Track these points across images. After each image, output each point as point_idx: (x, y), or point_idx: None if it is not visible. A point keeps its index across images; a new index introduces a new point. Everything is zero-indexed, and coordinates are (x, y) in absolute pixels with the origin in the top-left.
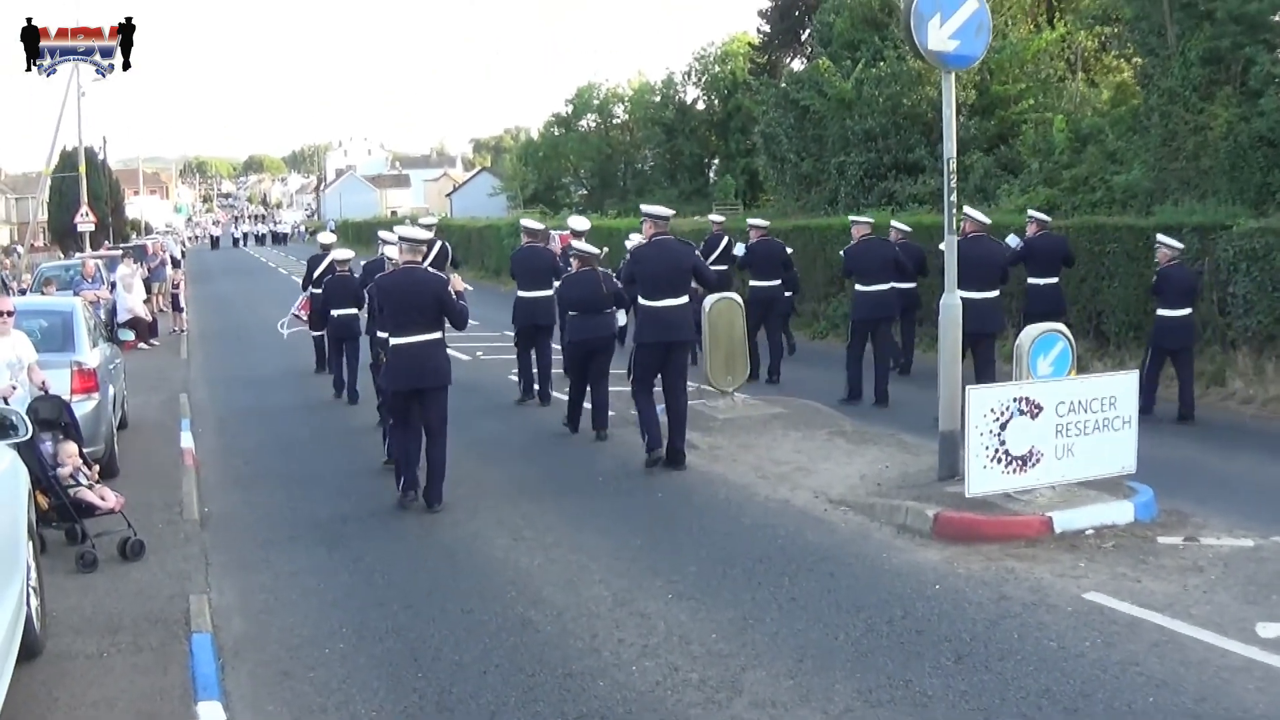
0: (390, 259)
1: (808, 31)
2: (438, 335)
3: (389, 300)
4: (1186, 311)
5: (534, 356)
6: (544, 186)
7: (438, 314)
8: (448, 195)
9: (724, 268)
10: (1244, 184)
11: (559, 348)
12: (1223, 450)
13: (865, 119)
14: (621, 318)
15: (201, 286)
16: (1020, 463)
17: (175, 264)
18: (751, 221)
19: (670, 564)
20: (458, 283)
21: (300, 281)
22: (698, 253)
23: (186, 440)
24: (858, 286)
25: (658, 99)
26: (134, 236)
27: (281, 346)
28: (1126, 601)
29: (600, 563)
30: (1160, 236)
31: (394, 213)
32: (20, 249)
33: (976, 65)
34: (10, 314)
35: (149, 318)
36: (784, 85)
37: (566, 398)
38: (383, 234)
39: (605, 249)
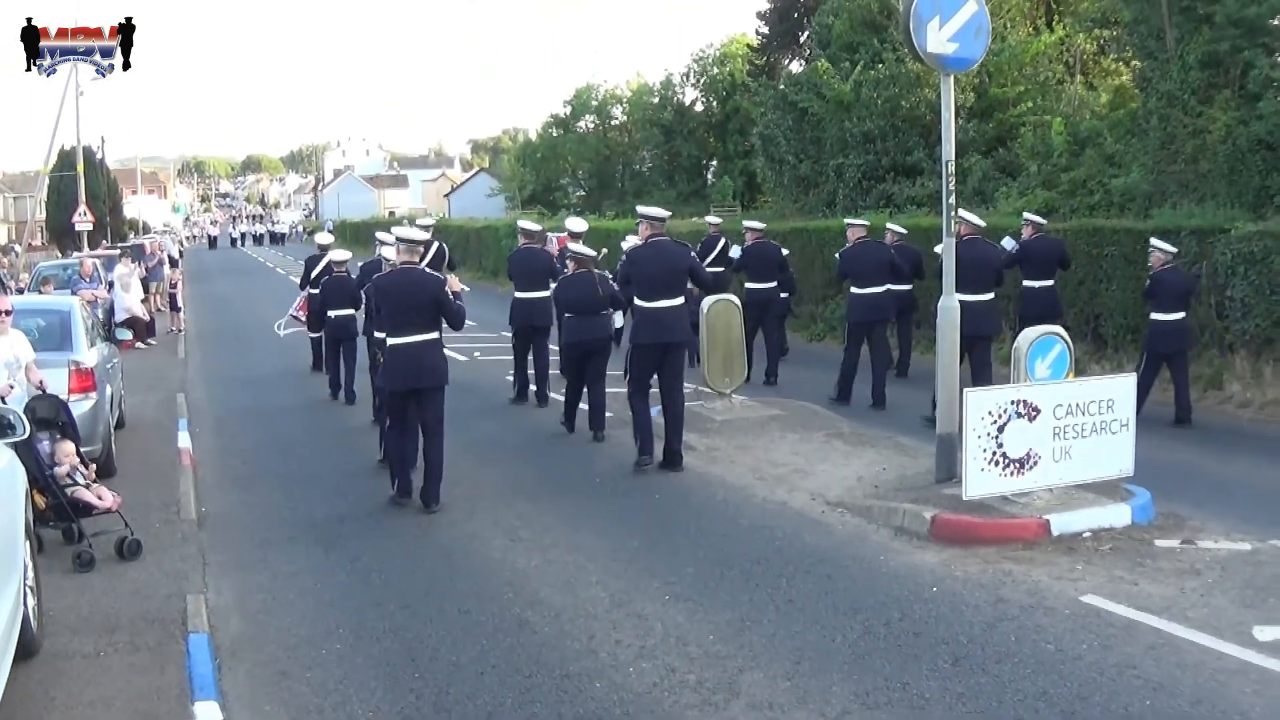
0: (388, 260)
1: (806, 33)
2: (434, 335)
3: (386, 300)
4: (1180, 315)
5: (531, 357)
6: (542, 187)
7: (435, 314)
8: (446, 196)
9: (720, 269)
10: (1242, 187)
11: (556, 348)
12: (1220, 454)
13: (864, 121)
14: (619, 319)
15: (199, 286)
16: (1018, 465)
17: (173, 263)
18: (747, 224)
19: (667, 565)
20: (455, 283)
21: (298, 281)
22: (694, 254)
23: (184, 440)
24: (853, 289)
25: (656, 100)
26: (132, 236)
27: (279, 346)
28: (1123, 604)
29: (597, 564)
30: (1154, 241)
31: (392, 213)
32: (18, 248)
33: (975, 68)
34: (8, 313)
35: (146, 317)
36: (782, 87)
37: (563, 399)
38: (380, 235)
39: (604, 251)
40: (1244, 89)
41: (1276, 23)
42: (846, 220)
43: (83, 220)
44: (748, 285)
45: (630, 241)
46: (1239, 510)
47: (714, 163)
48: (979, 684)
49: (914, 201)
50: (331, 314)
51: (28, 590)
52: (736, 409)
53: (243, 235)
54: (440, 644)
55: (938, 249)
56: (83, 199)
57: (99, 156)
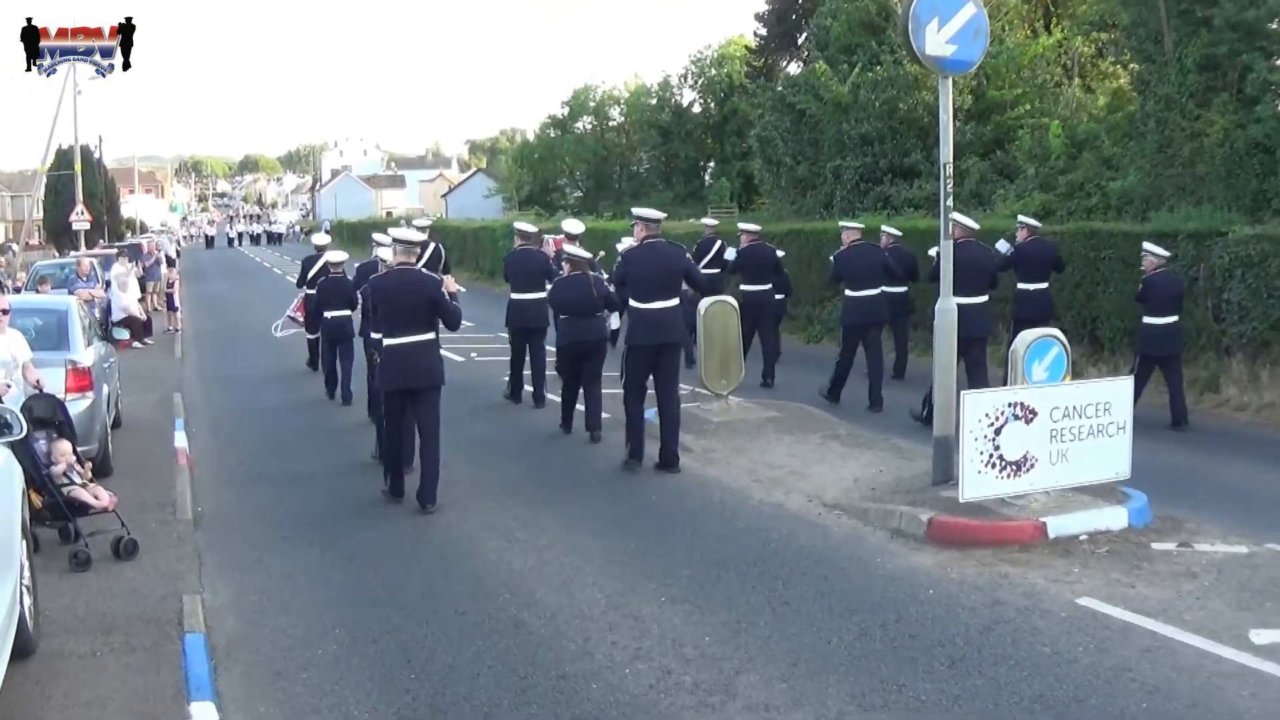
0: (384, 261)
1: (804, 35)
2: (430, 336)
3: (383, 301)
4: (1173, 319)
5: (528, 358)
6: (539, 188)
7: (431, 315)
8: (443, 196)
9: (716, 271)
10: (1240, 191)
11: (554, 349)
12: (1217, 457)
13: (861, 123)
14: (615, 321)
15: (196, 286)
16: (1014, 468)
17: (170, 263)
18: (742, 226)
19: (664, 567)
20: (451, 284)
21: (295, 281)
22: (688, 255)
23: (180, 440)
24: (848, 292)
25: (653, 102)
26: (129, 235)
27: (275, 346)
28: (1120, 607)
29: (594, 565)
30: (1146, 244)
31: (389, 213)
32: (15, 247)
33: (973, 70)
34: (5, 312)
35: (144, 317)
36: (780, 89)
37: (560, 400)
38: (377, 236)
39: (600, 253)
40: (1242, 92)
41: (1275, 26)
42: (841, 223)
43: (80, 219)
44: (742, 287)
45: (625, 243)
46: (1236, 513)
47: (711, 164)
48: (975, 686)
49: (911, 204)
50: (328, 315)
51: (24, 589)
52: (733, 410)
53: (240, 235)
54: (436, 645)
55: (932, 252)
56: (80, 198)
57: (96, 156)
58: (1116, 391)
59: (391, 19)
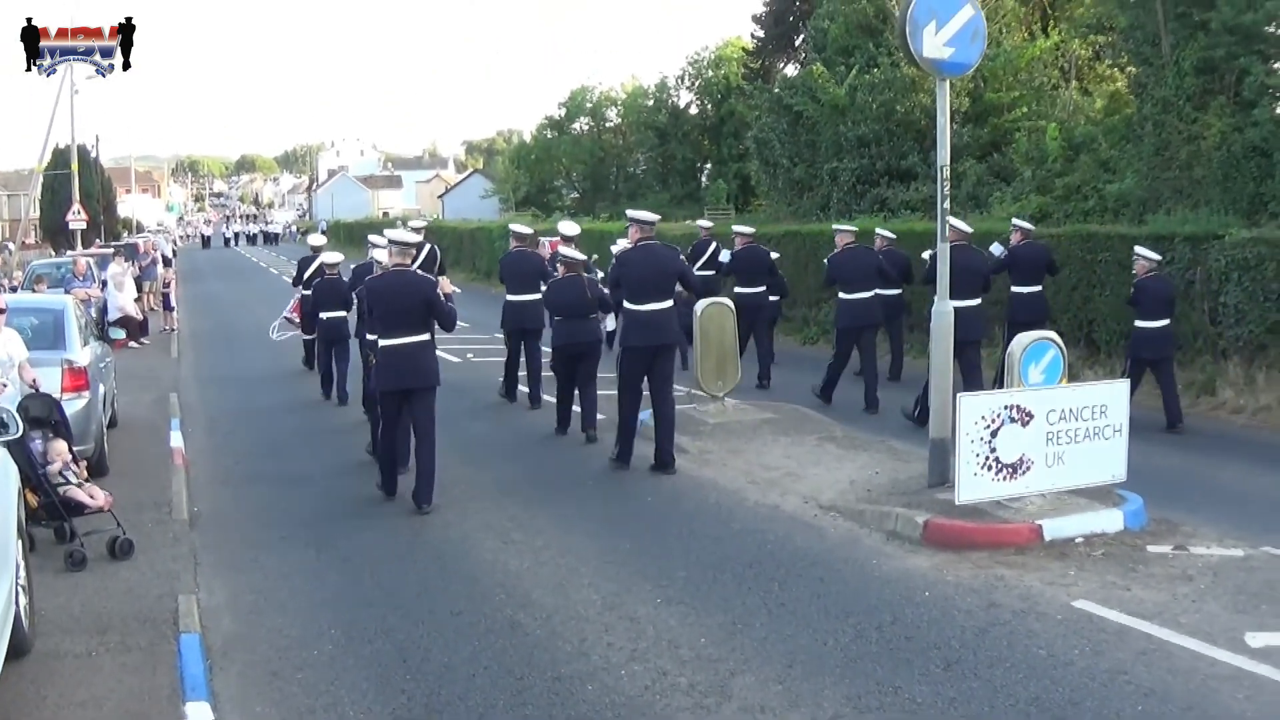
0: (379, 262)
1: (802, 37)
2: (426, 337)
3: (379, 302)
4: (1165, 322)
5: (524, 359)
6: (536, 189)
7: (426, 316)
8: (440, 197)
9: (711, 273)
10: (1236, 194)
11: (549, 350)
12: (1213, 460)
13: (858, 125)
14: (611, 322)
15: (192, 286)
16: (1010, 470)
17: (166, 263)
18: (736, 228)
19: (659, 568)
20: (446, 285)
21: (291, 280)
22: (682, 257)
23: (176, 439)
24: (841, 294)
25: (650, 103)
26: (125, 235)
27: (271, 346)
28: (1115, 610)
29: (589, 566)
30: (1138, 248)
31: (386, 214)
32: (12, 246)
33: (970, 73)
34: (2, 311)
35: (140, 316)
36: (777, 90)
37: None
38: (372, 237)
39: (594, 256)
40: (1239, 95)
41: (1272, 29)
42: (834, 226)
43: (76, 219)
44: (737, 289)
45: (621, 245)
46: (1231, 516)
47: (708, 166)
48: (971, 689)
49: (908, 206)
50: (323, 315)
51: (20, 589)
52: (729, 412)
53: (236, 235)
54: (432, 645)
55: (925, 255)
56: (77, 197)
57: (93, 155)
58: (1113, 394)
59: (391, 19)
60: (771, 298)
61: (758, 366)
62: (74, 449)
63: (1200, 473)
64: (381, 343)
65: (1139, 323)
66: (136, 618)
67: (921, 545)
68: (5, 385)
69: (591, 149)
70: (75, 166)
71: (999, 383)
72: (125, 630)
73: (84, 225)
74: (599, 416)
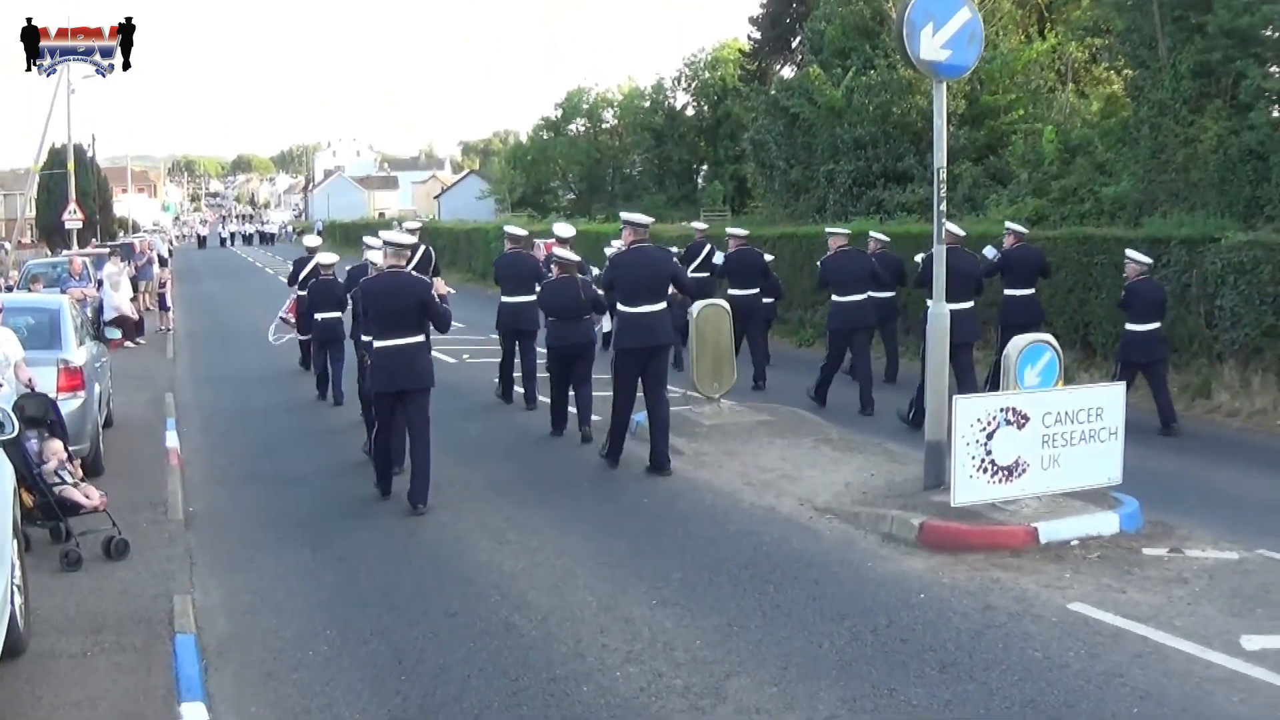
0: (374, 263)
1: (798, 39)
2: (420, 338)
3: (373, 303)
4: (1155, 326)
5: (517, 360)
6: (532, 190)
7: (421, 317)
8: (436, 197)
9: (705, 275)
10: (1233, 197)
11: (544, 351)
12: (1208, 463)
13: (855, 127)
14: (607, 323)
15: (188, 286)
16: (1006, 473)
17: (162, 263)
18: (730, 231)
19: (655, 569)
20: (441, 286)
21: (286, 279)
22: (675, 259)
23: (171, 439)
24: (834, 297)
25: (647, 104)
26: (121, 235)
27: (267, 347)
28: (1111, 612)
29: (585, 567)
30: (1129, 251)
31: (382, 214)
32: (8, 245)
33: (967, 75)
34: None
35: (135, 316)
36: (774, 92)
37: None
38: (367, 239)
39: (591, 266)
40: (1235, 99)
41: (1269, 33)
42: (827, 229)
43: (72, 218)
44: (730, 291)
45: (615, 246)
46: (1227, 519)
47: (704, 167)
48: (966, 691)
49: (904, 208)
50: (318, 316)
51: (15, 589)
52: (725, 414)
53: (232, 235)
54: (427, 646)
55: (917, 258)
56: (73, 197)
57: (89, 155)
58: (1108, 397)
59: (392, 19)
60: (766, 300)
61: (752, 369)
62: (69, 448)
63: (1196, 476)
64: (376, 344)
65: (1130, 326)
66: (132, 618)
67: (917, 547)
68: (1, 385)
69: (588, 150)
70: (71, 166)
71: (991, 384)
72: (120, 630)
73: (80, 225)
74: (594, 418)
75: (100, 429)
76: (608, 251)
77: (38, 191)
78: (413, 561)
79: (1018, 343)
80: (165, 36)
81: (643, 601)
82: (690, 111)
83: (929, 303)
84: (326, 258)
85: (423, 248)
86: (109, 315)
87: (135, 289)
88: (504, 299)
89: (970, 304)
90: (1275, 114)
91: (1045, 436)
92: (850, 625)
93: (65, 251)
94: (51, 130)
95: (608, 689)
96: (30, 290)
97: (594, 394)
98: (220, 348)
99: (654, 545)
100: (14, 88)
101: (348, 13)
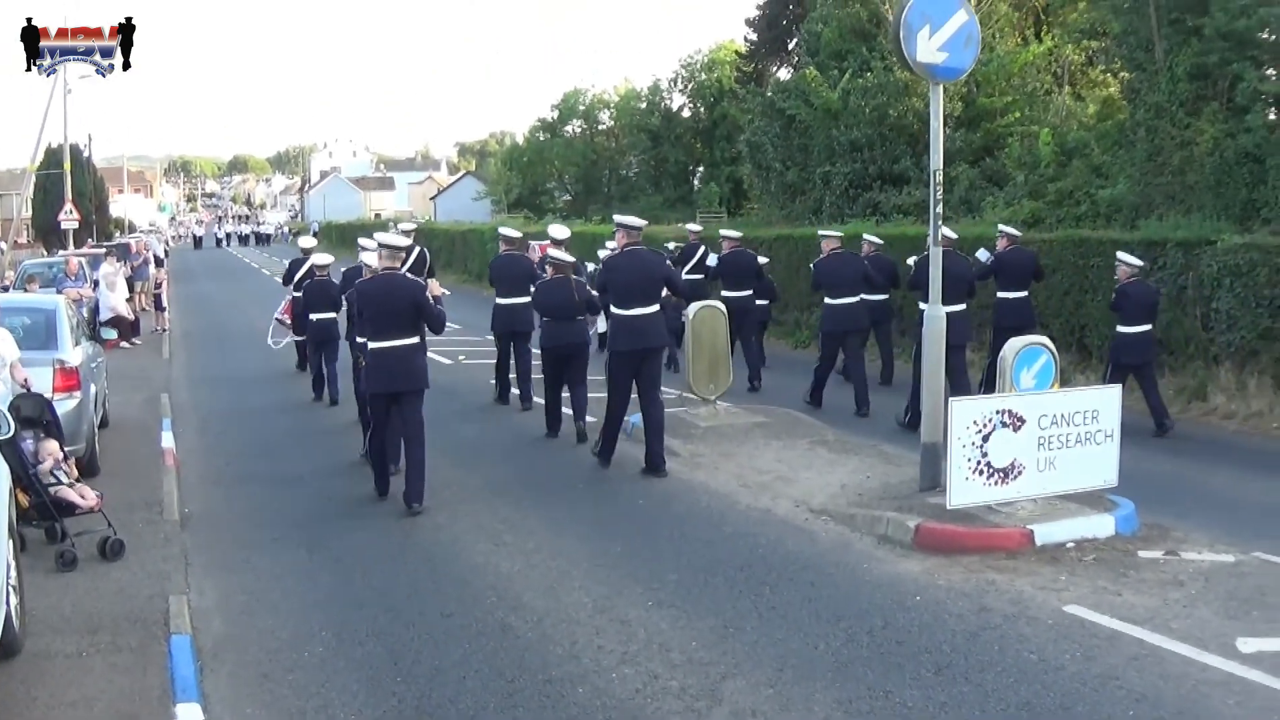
0: (369, 265)
1: (795, 41)
2: (415, 340)
3: (368, 305)
4: (1146, 328)
5: (512, 361)
6: (528, 191)
7: (415, 319)
8: (432, 199)
9: (699, 277)
10: (1229, 200)
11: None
12: (1204, 465)
13: (851, 129)
14: (602, 323)
15: (184, 286)
16: (1002, 475)
17: (158, 263)
18: (724, 232)
19: (650, 571)
20: (435, 288)
21: (281, 279)
22: (669, 262)
23: (167, 440)
24: (827, 299)
25: (643, 106)
26: (118, 235)
27: (263, 347)
28: (1107, 615)
29: (580, 569)
30: (1120, 254)
31: (378, 215)
32: (3, 245)
33: (964, 77)
34: None
35: (131, 316)
36: (770, 94)
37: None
38: (362, 241)
39: (582, 260)
40: (1232, 101)
41: (1265, 36)
42: (820, 231)
43: (68, 218)
44: (723, 293)
45: (609, 247)
46: (1223, 522)
47: (700, 169)
48: (961, 693)
49: (900, 210)
50: (314, 317)
51: (10, 589)
52: (721, 415)
53: (228, 235)
54: (423, 647)
55: (910, 261)
56: (69, 197)
57: (86, 155)
58: (1104, 399)
59: (392, 19)
60: (760, 302)
61: (746, 370)
62: (65, 449)
63: (1192, 478)
64: (371, 345)
65: (1121, 328)
66: (127, 618)
67: (913, 549)
68: None
69: (584, 151)
70: (68, 166)
71: (986, 387)
72: (116, 631)
73: (76, 225)
74: (589, 419)
75: (96, 429)
76: (600, 254)
77: (34, 191)
78: (409, 563)
79: (1014, 345)
80: (162, 36)
81: (638, 603)
82: (686, 113)
83: (922, 305)
84: (322, 259)
85: (417, 249)
86: (105, 315)
87: (131, 289)
88: (498, 300)
89: (963, 306)
90: (1272, 117)
91: (1041, 439)
92: (846, 627)
93: (61, 252)
94: (48, 130)
95: (603, 690)
96: (26, 290)
97: (589, 395)
98: (216, 348)
99: (650, 547)
100: (11, 88)
101: (347, 13)
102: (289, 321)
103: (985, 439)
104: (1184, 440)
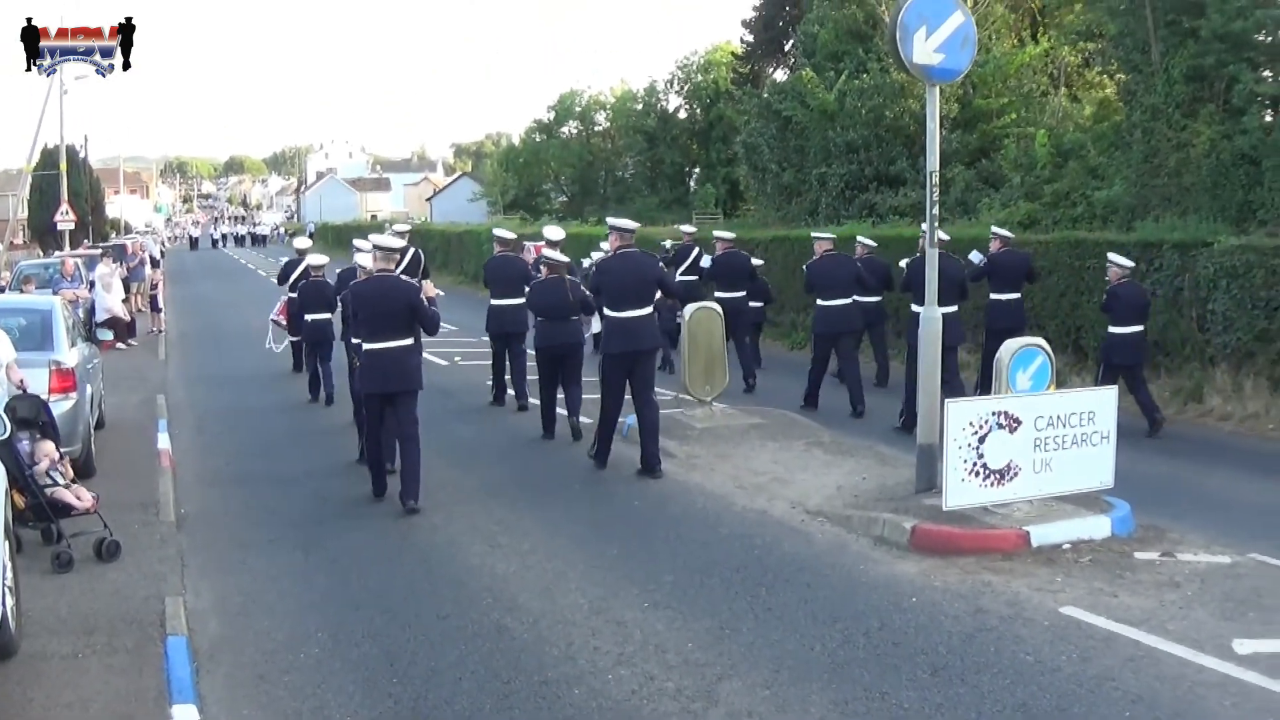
0: (363, 267)
1: (791, 42)
2: (409, 341)
3: (363, 306)
4: (1138, 329)
5: (508, 363)
6: (524, 192)
7: (410, 320)
8: (428, 200)
9: (694, 278)
10: (1225, 201)
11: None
12: (1200, 466)
13: (847, 130)
14: (596, 324)
15: (180, 287)
16: (998, 476)
17: (154, 264)
18: (718, 234)
19: (646, 572)
20: (429, 289)
21: (275, 279)
22: (661, 264)
23: (163, 441)
24: (819, 301)
25: (639, 107)
26: (113, 236)
27: (259, 348)
28: (1103, 616)
29: (576, 570)
30: (1111, 255)
31: (374, 216)
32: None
33: (960, 79)
34: None
35: (127, 317)
36: (766, 95)
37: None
38: (357, 242)
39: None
40: (1228, 103)
41: (1262, 37)
42: (813, 233)
43: (64, 219)
44: (717, 294)
45: (602, 249)
46: (1219, 523)
47: (697, 170)
48: (958, 694)
49: (896, 211)
50: (309, 317)
51: (6, 590)
52: (717, 417)
53: (224, 236)
54: (419, 649)
55: (902, 263)
56: (65, 198)
57: (82, 155)
58: (1100, 401)
59: (392, 19)
60: (754, 303)
61: (740, 371)
62: (61, 450)
63: (1188, 479)
64: (366, 346)
65: (1112, 329)
66: (123, 619)
67: (909, 551)
68: None
69: (580, 153)
70: (64, 167)
71: (982, 390)
72: (112, 632)
73: (72, 226)
74: (584, 420)
75: (92, 430)
76: (594, 255)
77: (30, 192)
78: (405, 564)
79: (1010, 346)
80: (159, 37)
81: (634, 604)
82: (683, 114)
83: (914, 307)
84: (316, 259)
85: (412, 251)
86: (101, 316)
87: (127, 290)
88: (493, 302)
89: (954, 308)
90: (1268, 118)
91: (1037, 440)
92: (842, 628)
93: (57, 253)
94: (44, 131)
95: (599, 692)
96: (22, 291)
97: (584, 396)
98: (212, 349)
99: (646, 548)
100: (7, 88)
101: (347, 13)
102: (284, 322)
103: (981, 440)
104: (1180, 441)
